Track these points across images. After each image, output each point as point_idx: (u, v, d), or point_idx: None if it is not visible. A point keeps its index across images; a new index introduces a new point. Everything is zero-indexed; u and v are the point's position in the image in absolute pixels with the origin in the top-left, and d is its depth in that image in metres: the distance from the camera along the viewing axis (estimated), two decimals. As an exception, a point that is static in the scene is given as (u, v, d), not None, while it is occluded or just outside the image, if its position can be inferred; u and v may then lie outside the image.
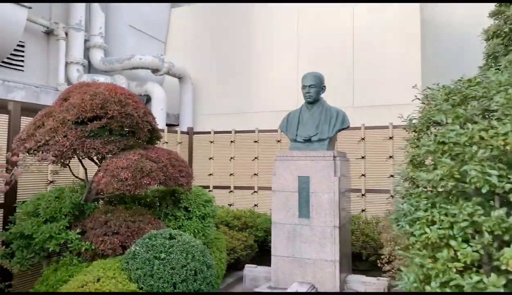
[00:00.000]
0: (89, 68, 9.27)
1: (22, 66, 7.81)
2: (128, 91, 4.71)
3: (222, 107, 10.17)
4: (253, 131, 8.16)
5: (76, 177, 4.92)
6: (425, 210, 2.53)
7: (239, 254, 6.47)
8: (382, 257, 4.92)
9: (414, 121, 3.85)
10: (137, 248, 3.82)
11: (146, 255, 3.73)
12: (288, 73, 9.60)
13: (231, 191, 8.22)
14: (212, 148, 8.44)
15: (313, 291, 4.98)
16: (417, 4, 8.60)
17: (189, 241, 3.95)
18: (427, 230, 2.37)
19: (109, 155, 4.43)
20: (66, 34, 8.61)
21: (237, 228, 7.14)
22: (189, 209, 4.98)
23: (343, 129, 5.50)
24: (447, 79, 3.74)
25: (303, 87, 5.57)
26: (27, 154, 4.19)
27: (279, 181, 5.43)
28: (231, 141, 8.27)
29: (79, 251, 4.49)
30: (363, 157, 7.27)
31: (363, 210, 7.19)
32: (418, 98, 3.92)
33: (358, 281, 5.21)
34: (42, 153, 4.12)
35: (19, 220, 4.86)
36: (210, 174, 8.42)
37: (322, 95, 5.66)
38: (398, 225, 3.56)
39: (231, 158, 8.26)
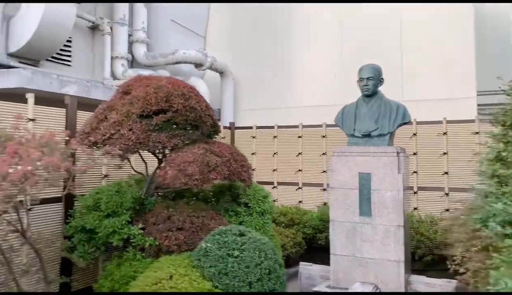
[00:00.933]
0: (132, 63, 9.27)
1: (69, 61, 7.86)
2: (189, 85, 4.62)
3: (263, 102, 10.04)
4: (296, 126, 8.01)
5: (136, 171, 4.86)
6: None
7: (288, 251, 6.35)
8: (455, 258, 4.71)
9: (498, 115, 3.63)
10: (208, 244, 3.73)
11: (218, 252, 3.64)
12: (330, 67, 9.40)
13: (274, 187, 8.09)
14: (254, 143, 8.32)
15: (377, 291, 4.81)
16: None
17: (260, 239, 3.84)
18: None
19: (172, 149, 4.34)
20: (111, 29, 8.62)
21: (283, 225, 7.01)
22: (249, 204, 4.88)
23: (404, 124, 5.29)
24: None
25: (360, 79, 5.37)
26: (94, 148, 4.13)
27: (337, 177, 5.26)
28: (274, 137, 8.13)
29: (142, 246, 4.44)
30: (414, 153, 7.03)
31: (415, 208, 6.96)
32: (503, 90, 3.69)
33: (421, 282, 5.01)
34: (108, 146, 4.06)
35: (79, 213, 4.85)
36: (253, 169, 8.30)
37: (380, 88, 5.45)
38: (485, 225, 3.35)
39: (274, 153, 8.13)
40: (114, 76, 8.49)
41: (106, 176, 5.48)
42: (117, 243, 4.45)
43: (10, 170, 2.75)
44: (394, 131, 5.34)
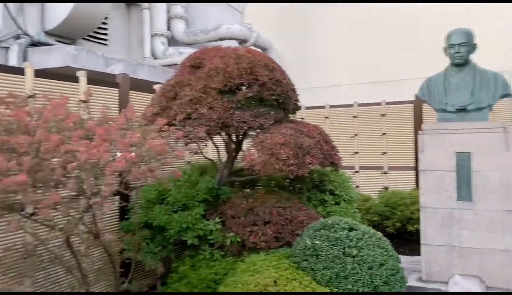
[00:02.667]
0: (169, 41, 8.55)
1: (106, 40, 7.24)
2: (267, 55, 3.95)
3: (309, 80, 9.29)
4: (350, 105, 7.31)
5: (206, 157, 4.23)
6: None
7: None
8: None
9: None
10: (317, 242, 3.11)
11: (332, 251, 3.02)
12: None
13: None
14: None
15: (484, 285, 4.21)
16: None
17: (375, 233, 3.23)
18: None
19: (257, 130, 3.70)
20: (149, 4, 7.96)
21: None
22: (335, 192, 4.24)
23: (505, 96, 4.61)
24: None
25: (451, 46, 4.69)
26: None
27: (429, 159, 4.62)
28: (325, 117, 7.43)
29: (221, 244, 3.84)
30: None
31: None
32: None
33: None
34: (188, 127, 3.41)
35: (139, 208, 4.25)
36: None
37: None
38: None
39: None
40: (154, 55, 7.83)
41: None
42: (192, 241, 3.85)
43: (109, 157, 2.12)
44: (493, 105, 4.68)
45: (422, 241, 4.62)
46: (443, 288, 4.33)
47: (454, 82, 4.73)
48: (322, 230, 3.22)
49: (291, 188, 4.47)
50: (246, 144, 4.02)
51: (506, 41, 7.29)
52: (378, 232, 3.32)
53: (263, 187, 4.35)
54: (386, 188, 6.95)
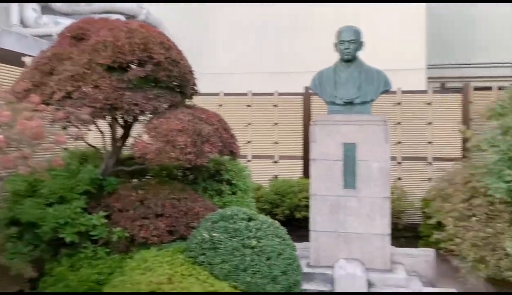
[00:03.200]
0: (43, 9, 7.40)
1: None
2: (162, 32, 3.62)
3: (204, 66, 8.97)
4: (245, 94, 7.29)
5: (89, 144, 3.74)
6: None
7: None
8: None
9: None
10: (215, 234, 2.94)
11: (231, 243, 2.88)
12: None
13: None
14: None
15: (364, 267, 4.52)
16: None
17: (272, 222, 3.19)
18: None
19: (151, 114, 3.36)
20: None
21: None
22: (232, 182, 4.12)
23: (385, 91, 5.00)
24: None
25: (341, 42, 4.90)
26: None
27: (320, 148, 4.78)
28: (219, 105, 7.29)
29: (107, 240, 3.44)
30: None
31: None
32: None
33: (401, 254, 4.89)
34: (67, 107, 2.93)
35: (4, 202, 3.60)
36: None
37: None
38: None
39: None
40: (23, 23, 6.69)
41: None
42: (71, 238, 3.37)
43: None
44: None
45: (311, 227, 4.78)
46: (329, 272, 4.54)
47: (343, 76, 4.96)
48: (220, 222, 3.07)
49: (185, 178, 4.23)
50: (135, 130, 3.66)
51: (389, 42, 7.97)
52: (276, 221, 3.30)
53: (155, 177, 4.03)
54: (276, 177, 7.11)
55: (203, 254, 2.94)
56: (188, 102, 3.85)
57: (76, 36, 3.39)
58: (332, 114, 4.86)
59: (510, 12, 8.31)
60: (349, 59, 4.92)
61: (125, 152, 4.10)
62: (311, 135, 4.87)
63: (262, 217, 3.22)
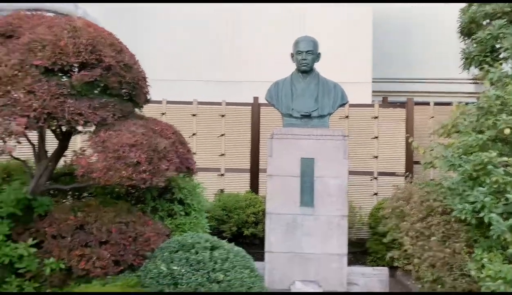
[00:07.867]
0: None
1: None
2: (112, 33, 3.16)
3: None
4: (190, 102, 6.89)
5: (15, 158, 3.13)
6: None
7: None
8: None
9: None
10: (175, 267, 2.54)
11: (195, 278, 2.51)
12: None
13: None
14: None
15: (321, 291, 4.34)
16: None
17: (238, 250, 2.86)
18: None
19: (98, 126, 2.87)
20: None
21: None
22: (185, 201, 3.72)
23: (342, 105, 4.91)
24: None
25: (298, 52, 4.75)
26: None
27: (277, 163, 4.55)
28: (162, 114, 6.81)
29: (36, 273, 2.87)
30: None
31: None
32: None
33: (357, 273, 4.78)
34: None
35: None
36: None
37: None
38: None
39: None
40: None
41: None
42: (-8, 274, 2.77)
43: None
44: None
45: (266, 248, 4.50)
46: (285, 295, 4.30)
47: (300, 88, 4.80)
48: (180, 252, 2.69)
49: (130, 196, 3.75)
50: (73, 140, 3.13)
51: (336, 53, 7.95)
52: (241, 249, 2.97)
53: (95, 197, 3.50)
54: (222, 191, 6.76)
55: (161, 290, 2.52)
56: (140, 111, 3.41)
57: (5, 33, 2.82)
58: (289, 127, 4.66)
59: (444, 20, 8.46)
60: (306, 70, 4.78)
61: (59, 166, 3.54)
62: (268, 150, 4.62)
63: (226, 244, 2.89)
